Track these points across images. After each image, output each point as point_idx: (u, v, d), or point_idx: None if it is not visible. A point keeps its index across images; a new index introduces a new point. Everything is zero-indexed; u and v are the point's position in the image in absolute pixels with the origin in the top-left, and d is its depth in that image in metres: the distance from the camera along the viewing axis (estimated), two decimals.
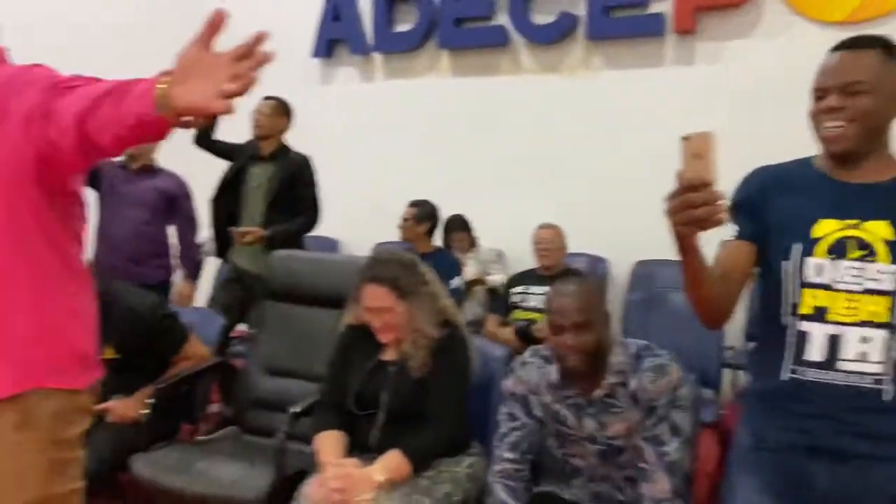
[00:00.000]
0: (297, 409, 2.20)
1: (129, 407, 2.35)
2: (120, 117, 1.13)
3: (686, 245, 1.24)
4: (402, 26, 4.56)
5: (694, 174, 1.11)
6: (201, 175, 3.55)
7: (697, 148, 1.12)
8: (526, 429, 1.90)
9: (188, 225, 3.54)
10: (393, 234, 4.09)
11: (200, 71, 1.06)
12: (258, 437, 2.52)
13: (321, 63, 4.80)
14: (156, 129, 1.13)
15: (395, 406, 2.02)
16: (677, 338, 2.75)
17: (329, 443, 1.99)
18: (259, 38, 1.06)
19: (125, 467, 2.25)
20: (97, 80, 1.21)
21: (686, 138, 1.12)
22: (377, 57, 4.66)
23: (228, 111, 1.05)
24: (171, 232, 3.56)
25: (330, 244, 4.59)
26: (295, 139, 3.55)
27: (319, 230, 3.58)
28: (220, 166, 3.54)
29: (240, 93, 1.05)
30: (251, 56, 1.06)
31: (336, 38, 4.72)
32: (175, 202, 3.47)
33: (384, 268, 2.05)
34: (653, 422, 1.78)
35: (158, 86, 1.09)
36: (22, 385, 1.31)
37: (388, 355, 2.09)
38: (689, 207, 1.12)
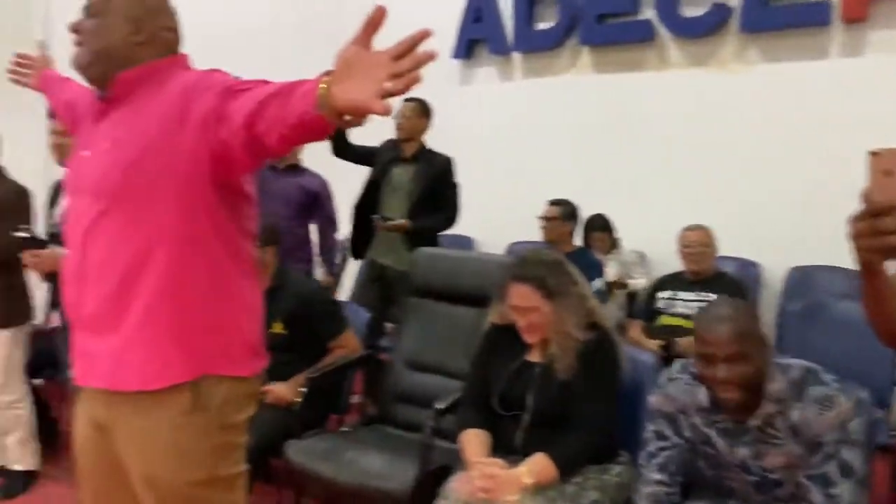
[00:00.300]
0: (442, 405, 2.22)
1: (287, 391, 2.48)
2: (284, 117, 1.16)
3: (871, 271, 1.10)
4: (543, 25, 4.51)
5: (884, 196, 0.97)
6: (341, 177, 3.68)
7: (889, 164, 0.97)
8: (675, 449, 1.80)
9: (328, 223, 3.69)
10: (528, 234, 4.07)
11: (360, 70, 1.05)
12: (402, 431, 2.57)
13: (461, 64, 4.83)
14: (318, 128, 1.15)
15: (540, 408, 1.99)
16: (842, 352, 2.54)
17: (474, 441, 1.99)
18: (420, 36, 1.03)
19: (278, 453, 2.37)
20: (267, 82, 1.25)
21: (875, 154, 0.98)
22: (516, 56, 4.64)
23: (386, 112, 1.03)
24: (310, 229, 3.71)
25: (466, 242, 4.62)
26: (433, 140, 3.60)
27: (455, 228, 3.63)
28: (360, 167, 3.64)
29: (399, 92, 1.03)
30: (411, 54, 1.03)
31: (476, 39, 4.73)
32: (317, 200, 3.61)
33: (531, 267, 2.03)
34: (819, 459, 1.62)
35: (320, 85, 1.10)
36: (196, 371, 1.39)
37: (534, 356, 2.07)
38: (879, 234, 0.98)
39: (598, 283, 3.32)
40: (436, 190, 3.42)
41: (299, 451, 2.34)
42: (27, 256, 2.48)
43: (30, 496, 2.93)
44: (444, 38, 4.71)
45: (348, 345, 2.72)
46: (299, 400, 2.46)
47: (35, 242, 2.48)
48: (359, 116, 1.09)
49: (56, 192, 2.93)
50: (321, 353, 2.67)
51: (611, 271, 3.66)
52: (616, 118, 4.27)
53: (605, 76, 4.34)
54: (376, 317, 3.34)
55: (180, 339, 1.38)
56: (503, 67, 4.70)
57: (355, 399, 3.06)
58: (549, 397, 1.99)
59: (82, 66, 1.43)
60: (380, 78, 1.02)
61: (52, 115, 2.67)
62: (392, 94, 1.03)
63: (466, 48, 4.72)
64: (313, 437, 2.44)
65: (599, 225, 3.91)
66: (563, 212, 3.57)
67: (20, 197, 2.85)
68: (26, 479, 2.97)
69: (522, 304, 2.00)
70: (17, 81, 1.90)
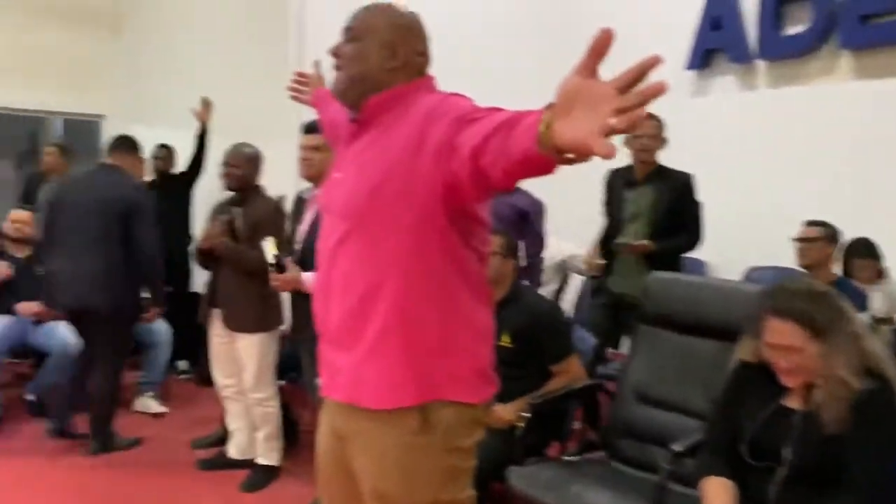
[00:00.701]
0: (680, 448, 2.03)
1: (508, 412, 2.44)
2: (508, 152, 1.10)
3: None
4: (793, 28, 4.09)
5: None
6: (560, 195, 3.59)
7: None
8: None
9: (534, 241, 3.63)
10: (770, 258, 3.68)
11: (582, 103, 0.94)
12: (629, 467, 2.42)
13: (695, 74, 4.54)
14: (541, 165, 1.07)
15: (800, 462, 1.73)
16: None
17: (718, 491, 1.80)
18: (650, 64, 0.89)
19: (500, 477, 2.32)
20: (498, 110, 1.21)
21: None
22: (760, 64, 4.25)
23: (609, 155, 0.90)
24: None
25: (697, 266, 4.30)
26: (663, 157, 3.39)
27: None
28: (582, 185, 3.50)
29: (622, 131, 0.90)
30: (638, 88, 0.90)
31: (713, 48, 4.42)
32: (527, 219, 3.57)
33: (795, 299, 1.77)
34: None
35: (542, 120, 1.02)
36: (424, 396, 1.40)
37: (793, 402, 1.81)
38: None
39: (861, 318, 2.89)
40: (676, 210, 3.22)
41: (522, 478, 2.29)
42: (271, 278, 2.70)
43: (270, 491, 3.17)
44: (677, 48, 4.46)
45: (571, 370, 2.65)
46: (522, 424, 2.41)
47: (277, 266, 2.71)
48: (581, 156, 0.98)
49: (298, 208, 3.14)
50: (545, 372, 2.61)
51: (876, 305, 3.18)
52: (882, 129, 3.73)
53: (870, 82, 3.81)
54: (602, 343, 3.22)
55: (411, 362, 1.39)
56: (744, 76, 4.33)
57: (575, 425, 2.94)
58: (811, 451, 1.73)
59: (340, 91, 1.48)
60: (604, 113, 0.90)
61: (306, 129, 2.88)
62: (615, 133, 0.90)
63: (702, 58, 4.43)
64: (536, 465, 2.38)
65: (864, 251, 3.40)
66: (825, 233, 3.16)
67: (277, 213, 3.12)
68: (269, 474, 3.22)
69: (783, 342, 1.75)
70: (296, 98, 2.06)
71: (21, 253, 4.06)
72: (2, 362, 3.88)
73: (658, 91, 0.88)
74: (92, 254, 3.31)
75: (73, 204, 3.39)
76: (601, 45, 0.93)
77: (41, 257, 3.69)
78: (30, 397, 3.95)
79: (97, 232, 3.32)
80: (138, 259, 3.37)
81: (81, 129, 6.57)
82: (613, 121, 0.90)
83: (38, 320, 3.92)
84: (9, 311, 3.86)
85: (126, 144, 3.58)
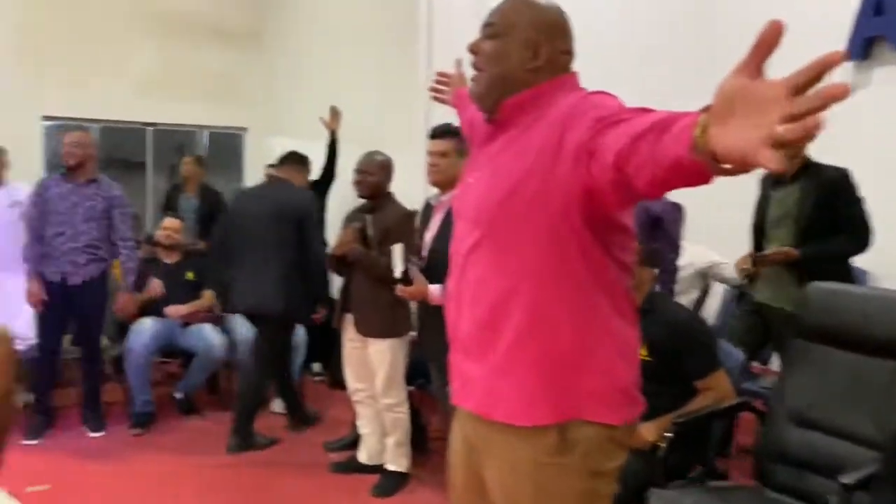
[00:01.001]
0: (850, 480, 1.82)
1: (649, 431, 2.30)
2: (656, 158, 0.99)
3: None
4: None
5: None
6: (702, 198, 3.36)
7: None
8: None
9: (669, 247, 3.45)
10: None
11: (745, 107, 0.81)
12: (784, 496, 2.21)
13: (853, 66, 4.15)
14: (694, 175, 0.95)
15: None
16: None
17: None
18: (830, 61, 0.75)
19: (640, 501, 2.19)
20: (645, 111, 1.11)
21: None
22: None
23: (778, 167, 0.76)
24: None
25: (858, 275, 3.91)
26: (818, 155, 3.11)
27: None
28: (730, 187, 3.27)
29: (795, 142, 0.75)
30: (815, 86, 0.75)
31: (875, 35, 4.02)
32: (660, 223, 3.40)
33: None
34: None
35: (697, 124, 0.90)
36: (562, 415, 1.32)
37: None
38: None
39: None
40: (829, 208, 2.94)
41: (663, 502, 2.14)
42: (397, 290, 2.70)
43: (401, 497, 3.17)
44: (833, 36, 4.09)
45: (718, 387, 2.45)
46: (664, 444, 2.25)
47: (404, 280, 2.70)
48: (741, 167, 0.84)
49: (426, 214, 3.13)
50: (688, 388, 2.43)
51: None
52: None
53: None
54: (748, 356, 2.99)
55: (545, 375, 1.32)
56: None
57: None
58: None
59: (478, 95, 1.42)
60: (770, 120, 0.77)
61: (433, 134, 2.87)
62: (785, 144, 0.76)
63: (863, 47, 4.04)
64: (678, 489, 2.23)
65: None
66: None
67: (408, 220, 3.13)
68: (399, 481, 3.23)
69: None
70: (436, 98, 2.04)
71: (170, 259, 4.33)
72: (152, 362, 4.14)
73: (840, 94, 0.73)
74: (270, 260, 3.52)
75: (249, 214, 3.63)
76: (769, 40, 0.80)
77: (218, 264, 3.97)
78: (178, 395, 4.20)
79: (274, 239, 3.53)
80: (310, 263, 3.57)
81: (224, 142, 6.97)
82: (782, 129, 0.76)
83: (186, 323, 4.16)
84: (159, 313, 4.11)
85: (294, 158, 3.92)
